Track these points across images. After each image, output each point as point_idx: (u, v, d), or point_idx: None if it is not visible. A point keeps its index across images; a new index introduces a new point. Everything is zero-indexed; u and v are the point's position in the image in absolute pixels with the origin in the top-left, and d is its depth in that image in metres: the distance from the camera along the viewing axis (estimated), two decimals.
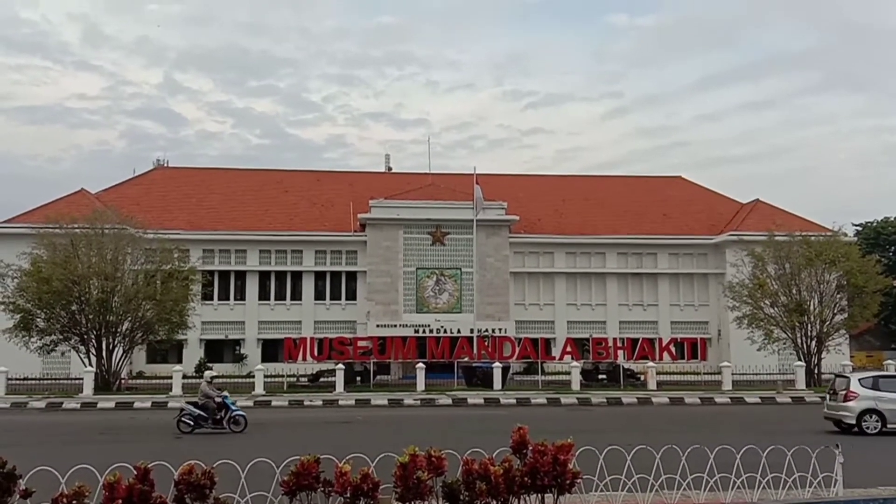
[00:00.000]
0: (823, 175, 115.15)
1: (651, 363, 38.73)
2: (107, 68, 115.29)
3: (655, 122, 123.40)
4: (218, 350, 47.97)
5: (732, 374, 37.19)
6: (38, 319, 35.66)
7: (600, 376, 39.66)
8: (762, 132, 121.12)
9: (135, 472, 7.16)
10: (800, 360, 38.60)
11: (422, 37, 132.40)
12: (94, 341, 36.14)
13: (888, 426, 20.21)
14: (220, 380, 40.23)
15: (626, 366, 40.36)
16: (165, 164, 57.23)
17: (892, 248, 59.24)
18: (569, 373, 37.67)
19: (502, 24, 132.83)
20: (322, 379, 38.69)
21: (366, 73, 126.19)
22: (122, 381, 38.17)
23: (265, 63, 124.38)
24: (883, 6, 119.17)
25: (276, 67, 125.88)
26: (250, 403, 30.95)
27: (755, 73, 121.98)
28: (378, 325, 45.67)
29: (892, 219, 61.00)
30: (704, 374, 40.30)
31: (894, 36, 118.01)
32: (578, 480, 8.31)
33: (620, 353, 42.30)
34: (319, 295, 48.94)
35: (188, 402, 22.16)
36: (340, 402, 31.50)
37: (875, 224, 61.31)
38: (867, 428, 20.19)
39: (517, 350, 41.63)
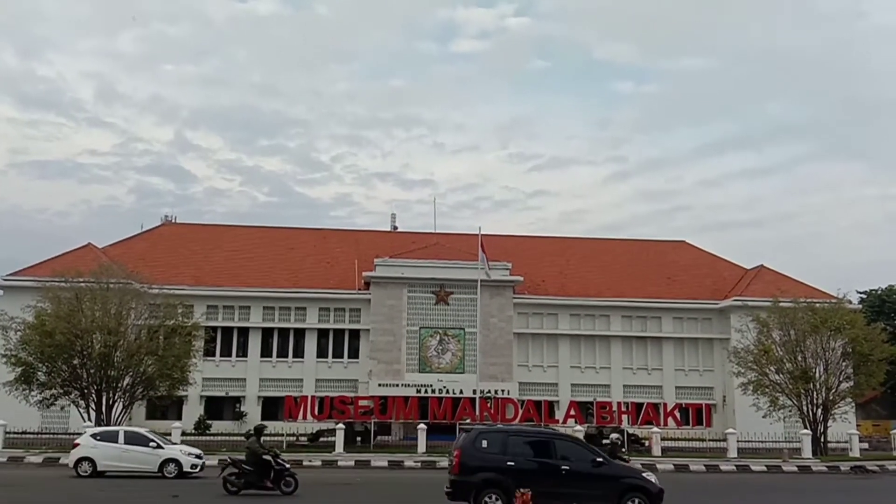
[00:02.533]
0: (827, 242, 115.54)
1: (656, 428, 38.28)
2: (119, 125, 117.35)
3: (658, 186, 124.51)
4: (218, 407, 47.55)
5: (738, 441, 36.70)
6: (40, 373, 35.45)
7: (604, 441, 39.08)
8: (765, 199, 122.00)
9: None
10: (806, 427, 38.11)
11: (429, 100, 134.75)
12: (94, 396, 35.87)
13: None
14: (219, 438, 40.00)
15: (631, 431, 39.88)
16: (173, 220, 57.66)
17: None
18: None
19: (508, 90, 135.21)
20: (322, 438, 38.25)
21: (374, 134, 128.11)
22: None
23: (275, 123, 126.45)
24: (884, 77, 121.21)
25: (286, 127, 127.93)
26: None
27: (757, 141, 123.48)
28: (380, 385, 45.33)
29: None
30: (709, 440, 39.77)
31: (894, 106, 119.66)
32: None
33: (625, 417, 41.87)
34: (322, 353, 48.72)
35: None
36: (340, 463, 31.10)
37: (880, 292, 61.26)
38: None
39: (520, 412, 41.26)
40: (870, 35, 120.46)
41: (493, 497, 15.06)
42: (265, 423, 24.92)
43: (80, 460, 24.40)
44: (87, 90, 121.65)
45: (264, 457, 19.84)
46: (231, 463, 20.37)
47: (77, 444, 25.10)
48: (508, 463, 15.50)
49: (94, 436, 25.25)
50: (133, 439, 25.13)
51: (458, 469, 15.68)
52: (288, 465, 20.29)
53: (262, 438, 20.74)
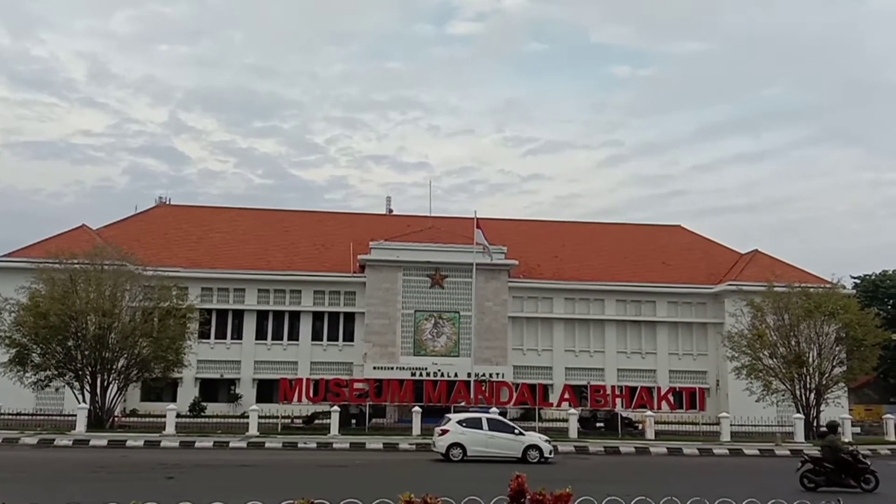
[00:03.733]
0: (822, 227, 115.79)
1: (649, 412, 38.37)
2: (112, 106, 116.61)
3: (654, 170, 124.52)
4: (213, 389, 47.61)
5: (731, 424, 36.86)
6: (34, 354, 35.41)
7: (598, 424, 39.29)
8: (760, 183, 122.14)
9: None
10: (799, 411, 38.30)
11: (425, 83, 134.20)
12: (88, 378, 35.83)
13: None
14: (214, 420, 40.04)
15: (625, 414, 39.99)
16: (167, 202, 57.43)
17: (891, 301, 59.25)
18: (566, 420, 37.34)
19: (505, 72, 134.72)
20: (317, 421, 38.33)
21: (369, 117, 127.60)
22: (115, 419, 37.80)
23: (270, 104, 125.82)
24: (882, 61, 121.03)
25: (280, 109, 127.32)
26: (244, 445, 30.64)
27: (753, 125, 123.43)
28: (375, 368, 45.41)
29: (891, 272, 61.16)
30: (703, 424, 39.95)
31: (892, 90, 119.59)
32: None
33: (619, 401, 41.87)
34: (317, 335, 48.75)
35: None
36: (335, 445, 31.16)
37: (874, 277, 61.44)
38: None
39: (514, 396, 41.27)
40: (869, 18, 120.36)
41: None
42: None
43: (451, 446, 25.23)
44: (80, 70, 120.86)
45: (843, 454, 19.32)
46: (808, 460, 19.67)
47: (446, 431, 25.68)
48: None
49: (460, 422, 25.96)
50: (496, 426, 26.19)
51: None
52: (868, 463, 19.50)
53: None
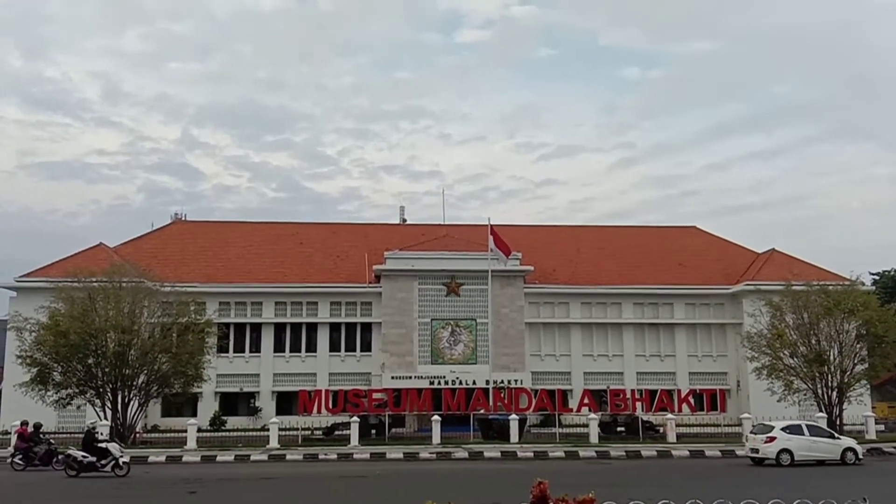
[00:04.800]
0: (838, 224, 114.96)
1: (670, 415, 38.18)
2: (126, 124, 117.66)
3: (666, 171, 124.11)
4: (233, 403, 47.77)
5: (753, 425, 36.52)
6: (55, 373, 35.65)
7: (619, 429, 39.11)
8: (774, 181, 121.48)
9: None
10: (821, 410, 37.95)
11: (435, 91, 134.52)
12: (109, 395, 36.02)
13: None
14: (235, 433, 40.14)
15: (645, 418, 39.79)
16: (183, 218, 57.78)
17: None
18: (586, 425, 37.16)
19: (514, 79, 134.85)
20: (337, 432, 38.35)
21: (380, 127, 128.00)
22: (137, 435, 37.98)
23: (281, 118, 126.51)
24: (892, 55, 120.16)
25: (292, 122, 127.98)
26: (265, 457, 30.70)
27: (765, 123, 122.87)
28: (393, 377, 45.39)
29: None
30: (724, 425, 39.67)
31: None
32: None
33: (639, 404, 41.70)
34: (334, 346, 48.81)
35: None
36: (355, 456, 31.16)
37: (893, 273, 60.91)
38: None
39: (534, 402, 41.17)
40: (877, 13, 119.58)
41: None
42: None
43: (781, 452, 26.94)
44: (93, 90, 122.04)
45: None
46: None
47: (773, 438, 27.24)
48: None
49: (783, 430, 27.62)
50: (815, 431, 28.23)
51: None
52: None
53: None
